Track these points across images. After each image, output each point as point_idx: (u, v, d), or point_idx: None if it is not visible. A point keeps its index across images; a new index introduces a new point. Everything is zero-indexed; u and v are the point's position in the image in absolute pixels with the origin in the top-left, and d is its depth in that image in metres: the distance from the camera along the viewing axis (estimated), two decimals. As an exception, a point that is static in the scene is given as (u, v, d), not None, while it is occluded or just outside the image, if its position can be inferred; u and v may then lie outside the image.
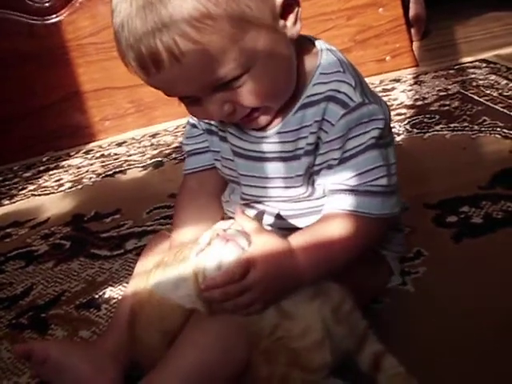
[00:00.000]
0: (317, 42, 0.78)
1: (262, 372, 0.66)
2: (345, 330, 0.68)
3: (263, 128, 0.77)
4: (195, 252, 0.67)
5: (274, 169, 0.78)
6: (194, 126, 0.89)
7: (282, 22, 0.69)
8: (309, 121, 0.74)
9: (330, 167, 0.74)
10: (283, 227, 0.78)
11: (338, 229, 0.72)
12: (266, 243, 0.67)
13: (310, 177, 0.77)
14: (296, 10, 0.70)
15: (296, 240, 0.70)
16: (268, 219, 0.81)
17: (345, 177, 0.73)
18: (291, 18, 0.70)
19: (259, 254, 0.65)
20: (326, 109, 0.73)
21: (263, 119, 0.74)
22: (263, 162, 0.79)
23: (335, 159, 0.73)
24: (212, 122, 0.84)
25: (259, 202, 0.82)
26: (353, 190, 0.72)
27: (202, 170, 0.89)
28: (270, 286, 0.66)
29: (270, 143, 0.77)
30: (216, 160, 0.87)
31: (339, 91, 0.73)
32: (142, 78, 0.68)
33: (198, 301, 0.66)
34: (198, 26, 0.61)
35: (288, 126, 0.76)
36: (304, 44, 0.77)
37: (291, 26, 0.70)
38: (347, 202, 0.72)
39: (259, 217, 0.79)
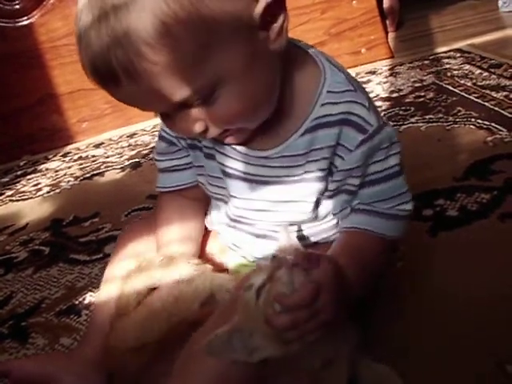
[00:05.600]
0: (312, 53, 0.72)
1: None
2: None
3: (261, 148, 0.72)
4: (253, 293, 0.60)
5: (276, 192, 0.74)
6: (170, 142, 0.82)
7: (263, 34, 0.61)
8: (320, 144, 0.70)
9: (350, 192, 0.72)
10: None
11: (371, 248, 0.72)
12: (325, 267, 0.61)
13: (317, 201, 0.74)
14: (281, 19, 0.62)
15: (342, 260, 0.65)
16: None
17: (370, 200, 0.72)
18: (275, 28, 0.62)
19: (324, 277, 0.59)
20: (341, 133, 0.69)
21: (239, 137, 0.69)
22: (264, 185, 0.74)
23: (355, 185, 0.71)
24: None
25: (250, 224, 0.79)
26: (378, 212, 0.72)
27: (184, 189, 0.84)
28: (337, 307, 0.60)
29: (274, 167, 0.72)
30: (200, 175, 0.81)
31: (353, 113, 0.68)
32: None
33: (264, 347, 0.60)
34: (156, 46, 0.54)
35: (295, 148, 0.71)
36: (297, 56, 0.71)
37: (274, 38, 0.62)
38: (371, 223, 0.72)
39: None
